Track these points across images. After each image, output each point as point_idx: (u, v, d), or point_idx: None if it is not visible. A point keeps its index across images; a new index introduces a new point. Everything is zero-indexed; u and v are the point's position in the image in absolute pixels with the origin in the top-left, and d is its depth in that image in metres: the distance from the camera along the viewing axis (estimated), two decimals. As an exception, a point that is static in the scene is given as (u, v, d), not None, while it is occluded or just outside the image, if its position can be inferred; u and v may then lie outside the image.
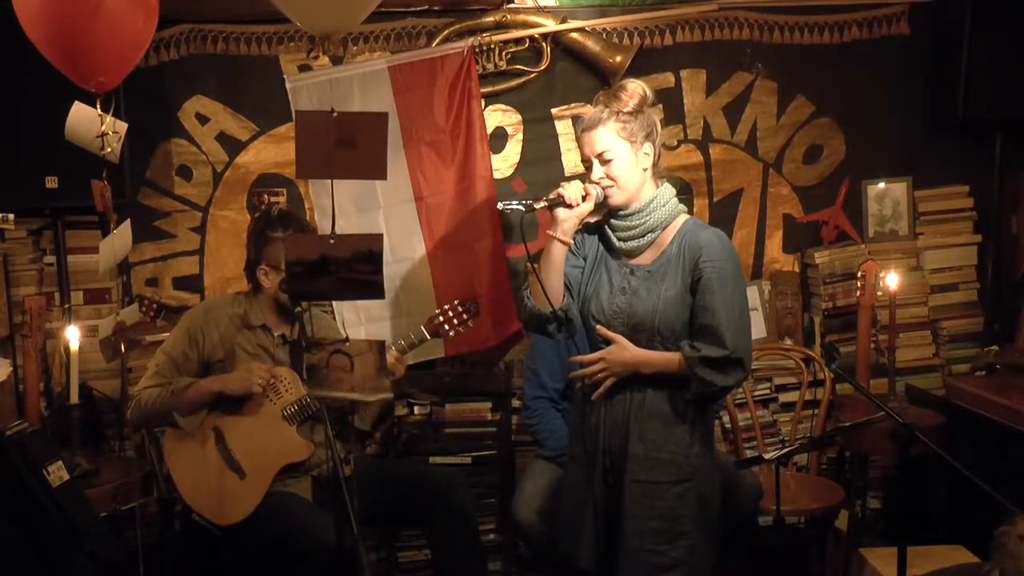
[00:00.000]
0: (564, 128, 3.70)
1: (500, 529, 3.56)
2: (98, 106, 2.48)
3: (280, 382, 2.98)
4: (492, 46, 3.58)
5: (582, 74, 3.67)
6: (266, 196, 3.66)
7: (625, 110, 2.37)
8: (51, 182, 3.22)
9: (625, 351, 2.39)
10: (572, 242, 2.45)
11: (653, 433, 2.39)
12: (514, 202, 3.63)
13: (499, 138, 3.69)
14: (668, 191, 2.45)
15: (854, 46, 3.73)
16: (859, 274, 3.50)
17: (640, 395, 2.41)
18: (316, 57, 3.59)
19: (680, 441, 2.40)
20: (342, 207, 3.50)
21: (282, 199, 3.66)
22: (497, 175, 3.67)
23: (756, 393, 3.70)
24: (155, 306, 3.53)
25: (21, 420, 2.81)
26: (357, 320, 3.64)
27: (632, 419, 2.41)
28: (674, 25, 3.67)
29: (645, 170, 2.41)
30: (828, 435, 3.28)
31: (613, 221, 2.47)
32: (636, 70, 3.58)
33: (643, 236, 2.42)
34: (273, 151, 3.65)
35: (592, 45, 3.61)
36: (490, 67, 3.60)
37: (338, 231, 2.06)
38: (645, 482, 2.38)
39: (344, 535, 2.27)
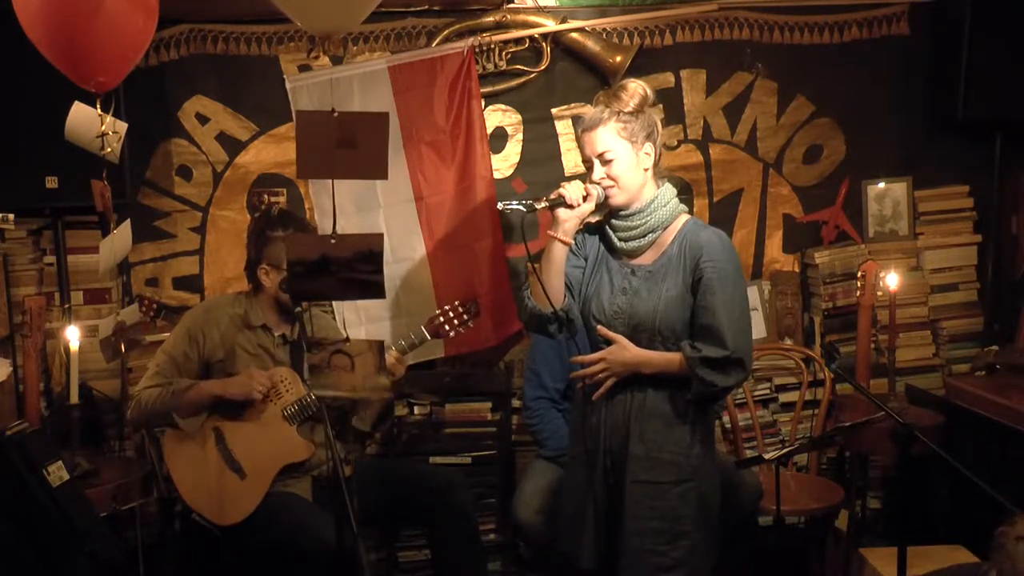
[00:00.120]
0: (564, 128, 3.70)
1: (500, 529, 3.56)
2: (98, 106, 2.47)
3: (280, 382, 2.98)
4: (492, 46, 3.58)
5: (582, 74, 3.67)
6: (266, 196, 3.66)
7: (626, 110, 2.37)
8: (51, 182, 3.22)
9: (626, 351, 2.39)
10: (573, 242, 2.45)
11: (654, 433, 2.39)
12: (514, 202, 3.62)
13: (499, 138, 3.69)
14: (669, 191, 2.45)
15: (854, 46, 3.73)
16: (859, 274, 3.50)
17: (641, 395, 2.41)
18: (316, 57, 3.59)
19: (681, 441, 2.40)
20: (342, 207, 3.50)
21: (282, 199, 3.66)
22: (497, 175, 3.67)
23: (756, 393, 3.70)
24: (155, 306, 3.52)
25: (21, 420, 2.81)
26: (357, 320, 3.64)
27: (633, 419, 2.41)
28: (674, 25, 3.67)
29: (646, 170, 2.41)
30: (828, 435, 3.28)
31: (614, 221, 2.47)
32: (636, 70, 3.58)
33: (644, 236, 2.42)
34: (273, 151, 3.65)
35: (592, 45, 3.61)
36: (490, 67, 3.60)
37: (338, 231, 2.06)
38: (646, 482, 2.38)
39: (344, 535, 2.26)
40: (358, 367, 2.28)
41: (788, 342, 3.77)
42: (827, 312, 3.75)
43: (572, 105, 3.68)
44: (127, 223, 2.87)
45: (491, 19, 3.59)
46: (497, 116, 3.68)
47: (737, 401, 3.65)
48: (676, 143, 3.73)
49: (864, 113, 3.77)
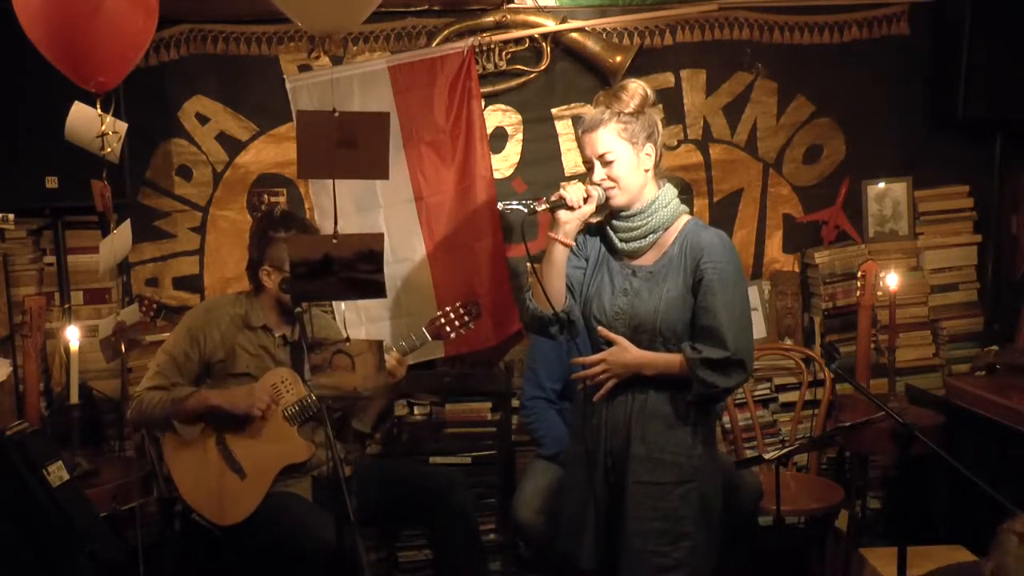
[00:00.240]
0: (564, 128, 3.70)
1: (500, 529, 3.56)
2: (98, 106, 2.47)
3: (281, 383, 2.98)
4: (492, 46, 3.58)
5: (582, 74, 3.67)
6: (266, 196, 3.66)
7: (626, 111, 2.37)
8: (51, 182, 3.22)
9: (626, 352, 2.39)
10: (574, 244, 2.44)
11: (655, 434, 2.39)
12: (514, 202, 3.63)
13: (499, 138, 3.69)
14: (670, 192, 2.45)
15: (854, 46, 3.73)
16: (859, 274, 3.50)
17: (642, 396, 2.41)
18: (317, 57, 3.60)
19: (682, 442, 2.40)
20: (342, 207, 3.50)
21: (282, 199, 3.66)
22: (497, 175, 3.67)
23: (756, 393, 3.70)
24: (155, 306, 3.52)
25: (21, 420, 2.81)
26: (358, 320, 3.64)
27: (634, 420, 2.41)
28: (674, 25, 3.67)
29: (647, 171, 2.41)
30: (828, 435, 3.28)
31: (615, 222, 2.47)
32: (636, 70, 3.58)
33: (645, 237, 2.42)
34: (273, 151, 3.65)
35: (592, 45, 3.61)
36: (490, 67, 3.60)
37: (338, 231, 2.06)
38: (647, 483, 2.38)
39: (344, 535, 2.26)
40: (358, 367, 2.28)
41: (788, 342, 3.77)
42: (827, 312, 3.75)
43: (572, 105, 3.68)
44: (127, 223, 2.87)
45: (491, 19, 3.59)
46: (497, 116, 3.68)
47: (737, 401, 3.65)
48: (676, 143, 3.73)
49: (864, 113, 3.77)
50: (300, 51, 3.60)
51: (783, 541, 3.41)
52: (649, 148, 2.40)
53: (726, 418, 3.66)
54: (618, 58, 3.58)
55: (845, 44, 3.73)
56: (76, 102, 2.55)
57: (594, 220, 2.51)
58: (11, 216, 3.11)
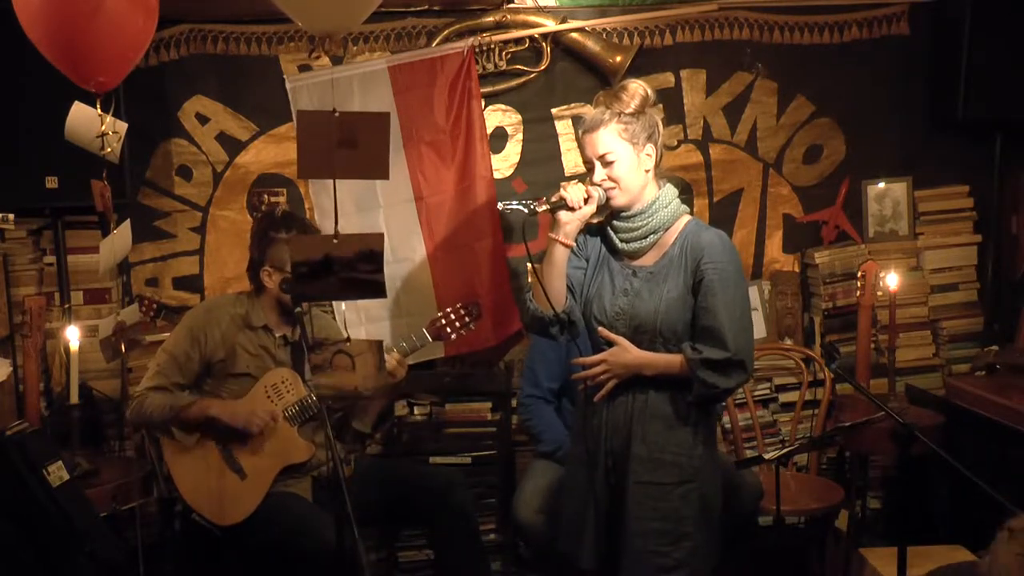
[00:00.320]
0: (564, 128, 3.70)
1: (500, 529, 3.56)
2: (98, 106, 2.47)
3: (281, 383, 2.98)
4: (492, 46, 3.58)
5: (582, 74, 3.67)
6: (266, 196, 3.66)
7: (627, 111, 2.36)
8: (51, 182, 3.22)
9: (627, 353, 2.39)
10: (575, 244, 2.44)
11: (656, 435, 2.39)
12: (515, 202, 3.63)
13: (499, 138, 3.69)
14: (670, 192, 2.45)
15: (854, 46, 3.74)
16: (859, 274, 3.50)
17: (642, 397, 2.41)
18: (318, 57, 3.60)
19: (683, 442, 2.39)
20: (342, 207, 3.49)
21: (282, 199, 3.66)
22: (497, 175, 3.67)
23: (756, 393, 3.70)
24: (155, 306, 3.52)
25: (21, 420, 2.81)
26: (358, 320, 3.64)
27: (635, 421, 2.40)
28: (674, 25, 3.67)
29: (647, 171, 2.41)
30: (828, 435, 3.28)
31: (615, 223, 2.46)
32: (636, 70, 3.58)
33: (645, 238, 2.42)
34: (273, 151, 3.65)
35: (592, 45, 3.61)
36: (490, 67, 3.60)
37: (339, 231, 2.06)
38: (648, 483, 2.38)
39: (344, 535, 2.26)
40: (358, 367, 2.28)
41: (788, 342, 3.77)
42: (827, 312, 3.75)
43: (572, 105, 3.68)
44: (127, 223, 2.87)
45: (491, 19, 3.59)
46: (497, 116, 3.68)
47: (737, 401, 3.65)
48: (676, 143, 3.73)
49: (864, 113, 3.77)
50: (300, 51, 3.60)
51: (783, 541, 3.41)
52: (650, 148, 2.40)
53: (726, 418, 3.66)
54: (618, 58, 3.58)
55: (845, 44, 3.73)
56: (76, 102, 2.55)
57: (595, 220, 2.51)
58: (11, 216, 3.11)
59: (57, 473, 2.48)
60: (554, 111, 3.70)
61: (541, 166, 3.71)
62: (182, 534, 3.06)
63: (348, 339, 2.23)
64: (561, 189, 2.40)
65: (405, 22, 3.61)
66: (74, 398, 3.15)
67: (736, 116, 3.75)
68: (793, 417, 3.66)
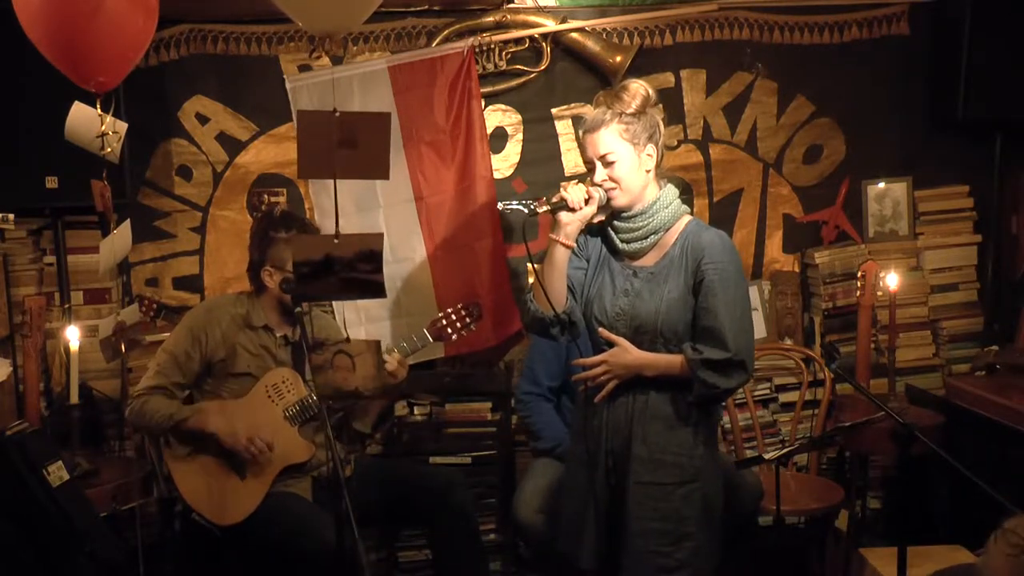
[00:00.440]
0: (564, 128, 3.70)
1: (500, 529, 3.56)
2: (98, 106, 2.48)
3: (282, 383, 2.98)
4: (492, 46, 3.58)
5: (582, 74, 3.67)
6: (266, 196, 3.66)
7: (628, 111, 2.36)
8: (51, 182, 3.22)
9: (627, 353, 2.39)
10: (575, 245, 2.44)
11: (656, 435, 2.39)
12: (515, 202, 3.63)
13: (499, 138, 3.69)
14: (671, 192, 2.45)
15: (854, 46, 3.74)
16: (859, 274, 3.50)
17: (643, 397, 2.41)
18: (318, 57, 3.60)
19: (684, 443, 2.39)
20: (342, 207, 3.46)
21: (282, 199, 3.66)
22: (497, 175, 3.67)
23: (756, 393, 3.70)
24: (155, 306, 3.52)
25: (21, 420, 2.81)
26: (358, 320, 3.64)
27: (635, 421, 2.40)
28: (674, 25, 3.67)
29: (648, 171, 2.41)
30: (828, 435, 3.28)
31: (616, 223, 2.46)
32: (636, 70, 3.58)
33: (646, 238, 2.42)
34: (273, 151, 3.64)
35: (592, 45, 3.61)
36: (490, 67, 3.60)
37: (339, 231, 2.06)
38: (649, 483, 2.38)
39: (344, 535, 2.26)
40: (358, 367, 2.28)
41: (788, 342, 3.77)
42: (827, 312, 3.75)
43: (572, 105, 3.68)
44: (127, 223, 2.87)
45: (491, 19, 3.59)
46: (497, 116, 3.68)
47: (737, 401, 3.65)
48: (676, 143, 3.73)
49: (864, 113, 3.77)
50: (300, 51, 3.60)
51: (783, 541, 3.41)
52: (651, 149, 2.39)
53: (726, 418, 3.66)
54: (618, 58, 3.58)
55: (845, 44, 3.73)
56: (76, 102, 2.55)
57: (595, 221, 2.50)
58: (11, 216, 3.11)
59: (57, 473, 2.48)
60: (554, 111, 3.70)
61: (541, 166, 3.71)
62: (182, 534, 3.06)
63: (348, 339, 2.24)
64: (561, 189, 2.40)
65: (405, 22, 3.61)
66: (74, 398, 3.15)
67: (736, 116, 3.75)
68: (793, 417, 3.66)
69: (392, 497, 3.06)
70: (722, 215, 3.77)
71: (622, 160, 2.36)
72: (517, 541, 3.56)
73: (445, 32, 3.59)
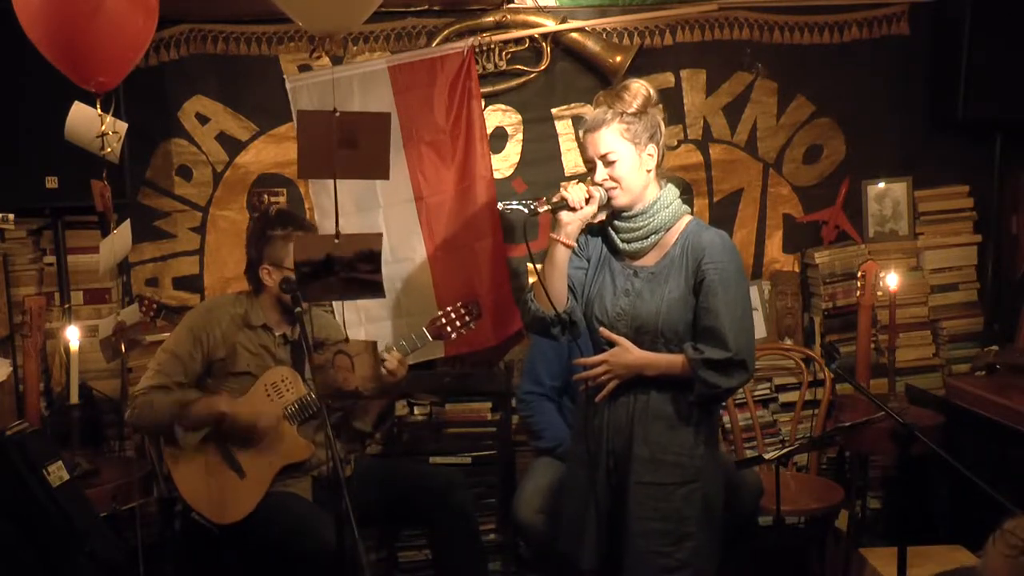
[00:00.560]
0: (564, 128, 3.70)
1: (500, 529, 3.56)
2: (98, 106, 2.47)
3: (281, 381, 2.98)
4: (492, 46, 3.58)
5: (582, 74, 3.67)
6: (266, 196, 3.66)
7: (629, 111, 2.36)
8: (51, 182, 3.22)
9: (628, 353, 2.39)
10: (576, 245, 2.44)
11: (657, 435, 2.39)
12: (515, 202, 3.63)
13: (499, 138, 3.69)
14: (672, 192, 2.45)
15: (854, 46, 3.74)
16: (859, 274, 3.50)
17: (644, 397, 2.41)
18: (318, 57, 3.60)
19: (685, 443, 2.39)
20: (342, 207, 3.45)
21: (282, 199, 3.66)
22: (497, 175, 3.67)
23: (756, 393, 3.70)
24: (155, 306, 3.52)
25: (21, 420, 2.81)
26: (357, 320, 3.64)
27: (636, 421, 2.40)
28: (674, 25, 3.67)
29: (649, 171, 2.41)
30: (828, 435, 3.29)
31: (617, 223, 2.46)
32: (636, 70, 3.58)
33: (647, 238, 2.42)
34: (273, 151, 3.64)
35: (592, 45, 3.61)
36: (490, 67, 3.60)
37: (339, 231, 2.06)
38: (650, 484, 2.38)
39: (344, 535, 2.26)
40: (357, 367, 2.28)
41: (788, 342, 3.77)
42: (827, 312, 3.75)
43: (572, 105, 3.68)
44: (127, 223, 2.87)
45: (491, 19, 3.59)
46: (497, 116, 3.68)
47: (737, 401, 3.65)
48: (676, 143, 3.73)
49: (864, 113, 3.78)
50: (300, 51, 3.60)
51: (783, 541, 3.41)
52: (651, 148, 2.39)
53: (726, 418, 3.66)
54: (618, 58, 3.58)
55: (845, 44, 3.73)
56: (76, 102, 2.55)
57: (596, 220, 2.50)
58: (11, 216, 3.11)
59: (57, 473, 2.48)
60: (554, 111, 3.70)
61: (541, 166, 3.71)
62: (182, 534, 3.06)
63: (347, 339, 2.24)
64: (562, 189, 2.40)
65: (405, 22, 3.61)
66: (74, 398, 3.15)
67: (736, 116, 3.75)
68: (793, 417, 3.66)
69: (392, 497, 3.06)
70: (722, 215, 3.77)
71: (623, 160, 2.36)
72: (517, 541, 3.56)
73: (445, 32, 3.59)
